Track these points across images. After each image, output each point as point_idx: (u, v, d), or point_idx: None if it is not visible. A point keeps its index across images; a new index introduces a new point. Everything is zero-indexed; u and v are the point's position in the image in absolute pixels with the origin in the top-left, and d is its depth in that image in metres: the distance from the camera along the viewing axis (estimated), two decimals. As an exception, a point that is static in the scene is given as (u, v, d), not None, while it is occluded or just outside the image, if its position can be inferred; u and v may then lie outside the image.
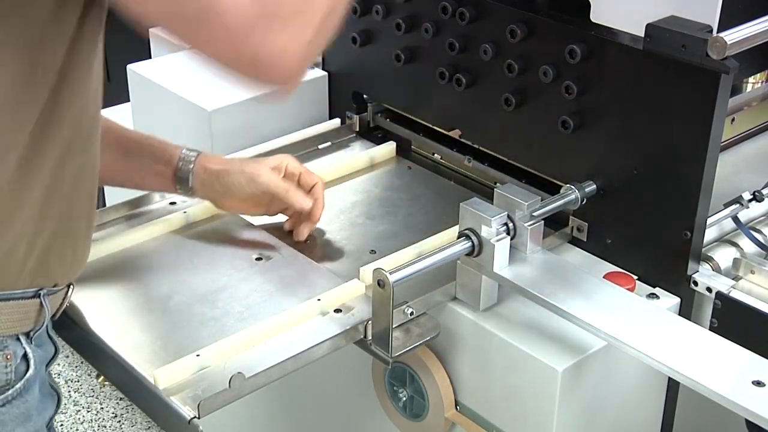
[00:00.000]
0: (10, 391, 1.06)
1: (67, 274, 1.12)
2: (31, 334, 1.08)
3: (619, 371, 1.27)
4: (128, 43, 1.51)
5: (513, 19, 1.39)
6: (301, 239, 1.43)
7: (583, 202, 1.34)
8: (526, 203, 1.25)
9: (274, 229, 1.46)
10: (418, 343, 1.24)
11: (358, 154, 1.69)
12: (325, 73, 1.77)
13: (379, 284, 1.18)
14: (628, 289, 1.26)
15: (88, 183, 1.10)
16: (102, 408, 2.37)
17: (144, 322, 1.28)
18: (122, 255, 1.40)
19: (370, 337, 1.24)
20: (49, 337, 1.14)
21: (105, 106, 1.11)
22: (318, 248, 1.44)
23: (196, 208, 1.48)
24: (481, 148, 1.56)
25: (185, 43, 0.93)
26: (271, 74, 0.95)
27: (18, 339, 1.06)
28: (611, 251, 1.37)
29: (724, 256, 1.36)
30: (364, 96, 1.74)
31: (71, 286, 1.15)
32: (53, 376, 1.18)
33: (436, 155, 1.69)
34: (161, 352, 1.20)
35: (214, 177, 1.39)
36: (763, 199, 1.40)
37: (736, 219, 1.39)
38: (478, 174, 1.60)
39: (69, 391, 2.41)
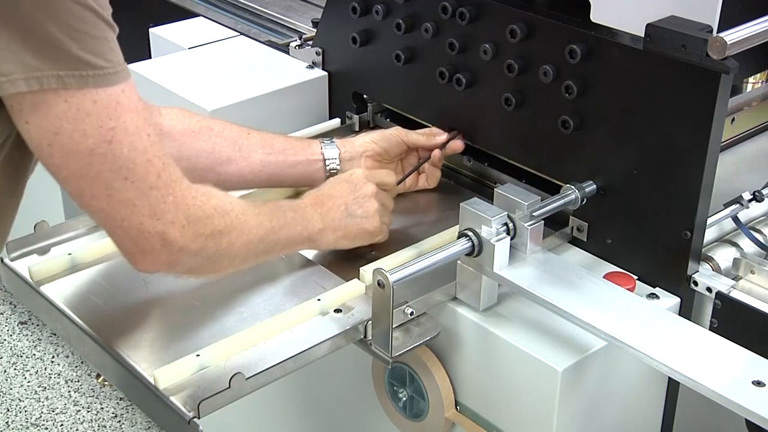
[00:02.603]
0: None
1: None
2: None
3: (619, 371, 1.27)
4: (128, 43, 1.51)
5: (513, 19, 1.39)
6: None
7: (583, 202, 1.34)
8: (526, 203, 1.25)
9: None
10: (418, 343, 1.24)
11: (358, 154, 1.68)
12: (325, 73, 1.77)
13: (379, 284, 1.18)
14: (628, 289, 1.26)
15: None
16: (102, 408, 2.37)
17: (144, 322, 1.27)
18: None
19: (370, 337, 1.24)
20: None
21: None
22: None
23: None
24: (481, 148, 1.56)
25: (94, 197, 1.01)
26: (144, 257, 1.07)
27: None
28: (611, 251, 1.37)
29: (724, 256, 1.36)
30: (364, 96, 1.74)
31: None
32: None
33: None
34: (161, 352, 1.20)
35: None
36: (763, 199, 1.40)
37: (736, 219, 1.39)
38: (478, 174, 1.60)
39: (69, 391, 2.41)
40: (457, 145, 1.54)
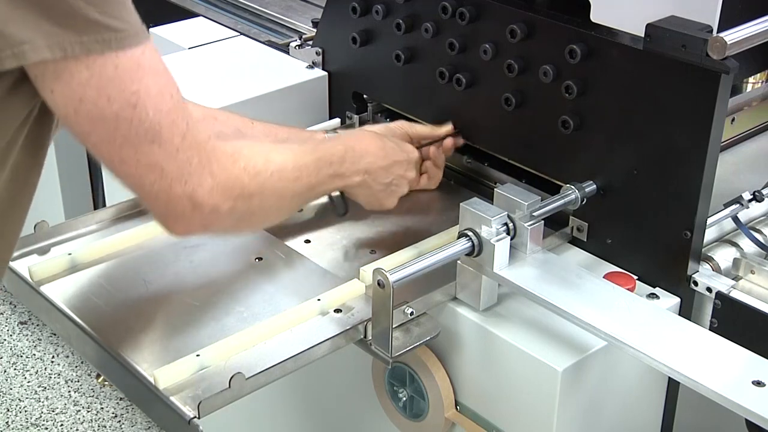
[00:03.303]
0: None
1: None
2: None
3: (619, 371, 1.27)
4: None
5: (513, 19, 1.39)
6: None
7: (583, 202, 1.34)
8: (526, 203, 1.25)
9: (274, 229, 1.46)
10: (418, 343, 1.24)
11: (358, 154, 1.68)
12: (325, 73, 1.77)
13: (379, 284, 1.18)
14: (628, 289, 1.26)
15: None
16: (102, 408, 2.37)
17: (144, 322, 1.27)
18: (122, 255, 1.40)
19: (370, 337, 1.24)
20: None
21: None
22: (318, 248, 1.44)
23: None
24: (481, 148, 1.56)
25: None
26: (177, 221, 1.06)
27: None
28: (611, 251, 1.37)
29: (724, 256, 1.36)
30: (364, 96, 1.74)
31: None
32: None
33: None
34: (161, 352, 1.20)
35: None
36: (763, 199, 1.40)
37: (736, 219, 1.39)
38: (478, 174, 1.60)
39: (69, 391, 2.41)
40: (456, 140, 1.55)
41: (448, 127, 1.55)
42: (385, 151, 1.40)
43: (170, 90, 1.00)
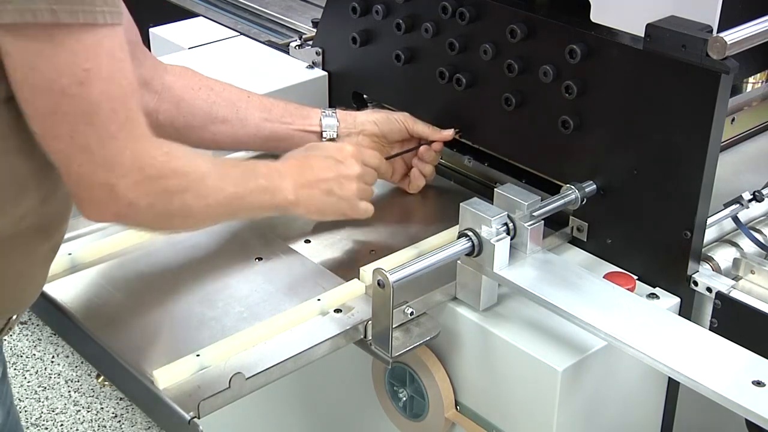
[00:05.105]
0: None
1: (6, 311, 1.15)
2: None
3: (619, 371, 1.27)
4: (128, 43, 1.52)
5: (513, 19, 1.39)
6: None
7: (583, 202, 1.34)
8: (526, 203, 1.25)
9: (274, 229, 1.46)
10: (418, 343, 1.24)
11: (358, 154, 1.68)
12: (325, 73, 1.77)
13: (379, 284, 1.18)
14: (628, 289, 1.26)
15: (41, 238, 1.13)
16: (102, 408, 2.37)
17: (144, 322, 1.27)
18: (122, 255, 1.40)
19: (370, 337, 1.24)
20: None
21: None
22: (318, 248, 1.44)
23: (196, 208, 1.48)
24: (481, 148, 1.56)
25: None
26: (92, 206, 1.05)
27: None
28: (611, 251, 1.37)
29: (724, 256, 1.36)
30: (364, 96, 1.74)
31: (13, 318, 1.17)
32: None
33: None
34: (161, 352, 1.20)
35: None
36: (763, 199, 1.40)
37: (736, 219, 1.39)
38: (478, 174, 1.60)
39: (69, 391, 2.41)
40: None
41: (448, 132, 1.53)
42: (306, 164, 1.33)
43: (121, 79, 0.99)
